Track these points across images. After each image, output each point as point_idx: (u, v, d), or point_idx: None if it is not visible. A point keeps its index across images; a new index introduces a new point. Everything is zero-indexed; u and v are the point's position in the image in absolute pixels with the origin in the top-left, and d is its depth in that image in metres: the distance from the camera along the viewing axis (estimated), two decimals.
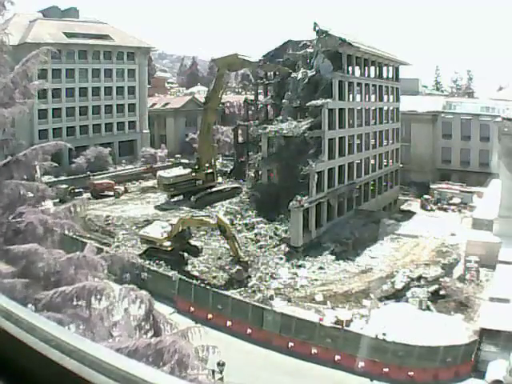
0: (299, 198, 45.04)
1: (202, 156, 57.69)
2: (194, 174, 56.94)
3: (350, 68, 55.92)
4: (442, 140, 70.78)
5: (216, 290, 36.14)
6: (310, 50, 55.06)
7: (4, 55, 12.10)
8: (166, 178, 56.63)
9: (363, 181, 56.41)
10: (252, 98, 66.89)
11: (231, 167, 66.79)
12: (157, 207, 55.07)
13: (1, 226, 11.57)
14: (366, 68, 59.67)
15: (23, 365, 1.74)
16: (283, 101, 55.72)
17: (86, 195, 58.12)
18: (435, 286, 37.38)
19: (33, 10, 73.83)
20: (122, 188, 61.87)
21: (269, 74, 64.18)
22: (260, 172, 54.10)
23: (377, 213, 54.17)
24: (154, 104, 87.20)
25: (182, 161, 73.15)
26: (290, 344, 31.30)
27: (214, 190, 56.62)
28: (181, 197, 56.55)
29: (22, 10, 59.59)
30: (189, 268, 40.22)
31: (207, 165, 57.95)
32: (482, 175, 63.33)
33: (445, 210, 60.71)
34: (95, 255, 12.25)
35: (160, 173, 59.12)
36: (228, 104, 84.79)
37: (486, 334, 29.10)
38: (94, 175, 63.08)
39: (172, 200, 56.45)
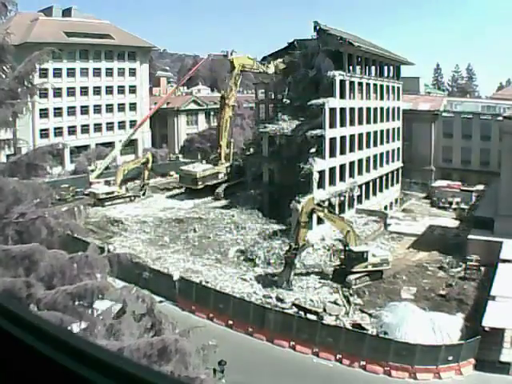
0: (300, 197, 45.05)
1: (221, 150, 59.43)
2: (216, 168, 58.79)
3: (351, 67, 55.87)
4: (442, 139, 70.70)
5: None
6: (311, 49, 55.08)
7: (7, 55, 12.11)
8: (193, 172, 57.98)
9: (364, 179, 56.40)
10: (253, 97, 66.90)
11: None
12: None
13: (3, 226, 11.59)
14: (367, 67, 59.64)
15: (24, 364, 1.75)
16: (284, 100, 55.73)
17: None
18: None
19: (33, 10, 73.83)
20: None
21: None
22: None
23: (378, 211, 54.18)
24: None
25: (183, 160, 73.21)
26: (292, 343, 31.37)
27: (234, 182, 58.35)
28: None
29: (22, 9, 59.60)
30: None
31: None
32: (482, 174, 63.32)
33: (445, 208, 60.78)
34: (98, 255, 12.27)
35: (184, 168, 60.54)
36: None
37: (487, 333, 29.11)
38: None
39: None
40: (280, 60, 57.81)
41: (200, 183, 57.38)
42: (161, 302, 28.88)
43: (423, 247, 46.34)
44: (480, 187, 60.96)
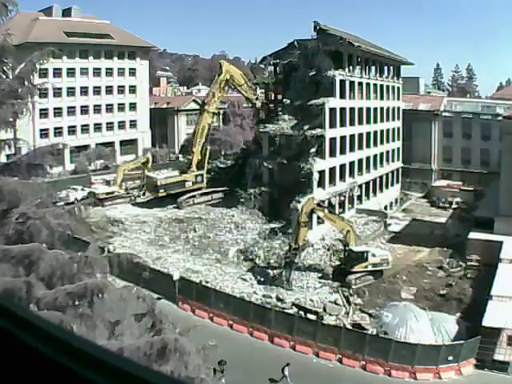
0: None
1: (193, 157, 56.18)
2: (183, 175, 55.52)
3: (351, 67, 55.85)
4: (442, 139, 70.67)
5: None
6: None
7: (8, 56, 12.12)
8: (156, 179, 54.68)
9: (364, 179, 56.40)
10: None
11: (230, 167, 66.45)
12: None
13: (4, 226, 11.59)
14: (367, 67, 59.62)
15: (24, 364, 1.75)
16: (284, 100, 55.70)
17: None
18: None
19: (34, 10, 73.73)
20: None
21: (270, 69, 63.89)
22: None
23: (378, 211, 54.18)
24: (155, 103, 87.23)
25: (182, 160, 73.07)
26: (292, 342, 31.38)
27: (200, 192, 55.44)
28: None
29: (22, 9, 59.44)
30: None
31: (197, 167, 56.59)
32: (482, 174, 63.31)
33: (445, 208, 60.78)
34: (98, 255, 12.28)
35: (149, 174, 57.14)
36: (229, 103, 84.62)
37: (487, 332, 29.12)
38: None
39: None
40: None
41: (161, 191, 53.84)
42: (159, 298, 28.82)
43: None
44: (480, 187, 60.93)
